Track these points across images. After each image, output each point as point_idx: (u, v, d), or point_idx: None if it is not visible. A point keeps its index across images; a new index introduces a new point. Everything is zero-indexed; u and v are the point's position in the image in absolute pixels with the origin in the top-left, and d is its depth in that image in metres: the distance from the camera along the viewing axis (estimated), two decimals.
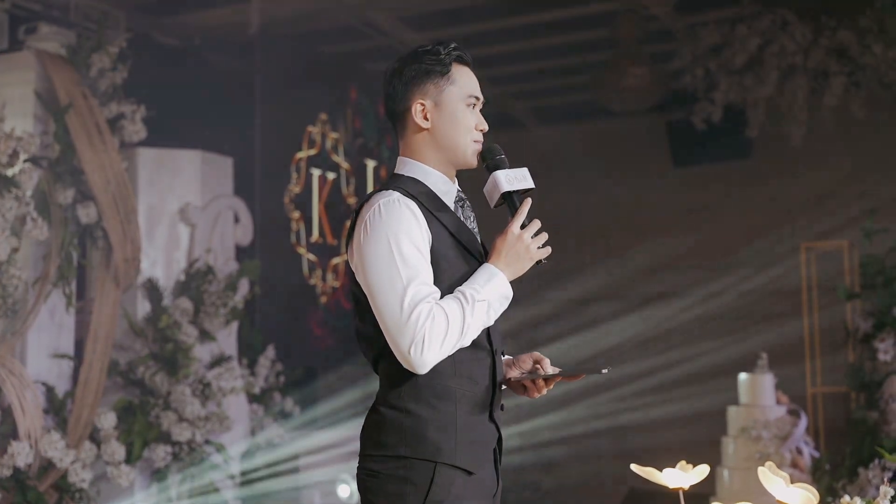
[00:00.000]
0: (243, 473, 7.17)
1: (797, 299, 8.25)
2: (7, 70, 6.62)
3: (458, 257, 2.64)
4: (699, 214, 10.02)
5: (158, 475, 6.65)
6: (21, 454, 5.84)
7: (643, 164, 10.42)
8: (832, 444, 7.49)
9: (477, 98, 2.76)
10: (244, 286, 7.31)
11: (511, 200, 2.70)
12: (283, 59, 8.66)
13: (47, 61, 6.50)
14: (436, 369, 2.56)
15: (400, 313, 2.49)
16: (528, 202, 2.68)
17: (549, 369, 2.79)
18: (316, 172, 9.02)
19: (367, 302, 2.60)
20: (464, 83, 2.74)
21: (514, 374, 2.83)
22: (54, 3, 7.09)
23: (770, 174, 9.70)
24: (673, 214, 10.11)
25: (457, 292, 2.56)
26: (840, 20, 8.23)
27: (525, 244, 2.63)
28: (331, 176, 9.20)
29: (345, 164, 9.36)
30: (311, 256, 8.86)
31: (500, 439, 2.72)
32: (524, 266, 2.64)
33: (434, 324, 2.48)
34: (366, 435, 2.68)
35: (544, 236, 2.67)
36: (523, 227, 2.65)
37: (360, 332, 2.71)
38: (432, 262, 2.59)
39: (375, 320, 2.58)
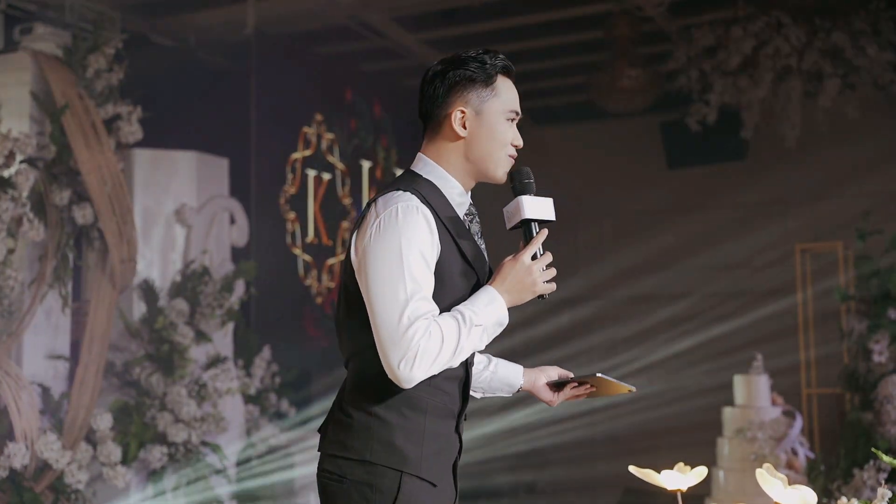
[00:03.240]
0: (239, 474, 7.17)
1: (792, 300, 8.27)
2: (3, 71, 6.61)
3: (461, 274, 2.60)
4: (693, 215, 10.04)
5: (154, 476, 6.64)
6: (17, 455, 5.84)
7: (638, 165, 10.44)
8: (827, 445, 7.52)
9: (517, 113, 2.69)
10: (240, 287, 7.31)
11: (528, 228, 2.65)
12: (278, 60, 8.67)
13: (43, 62, 6.50)
14: None
15: (397, 326, 2.42)
16: (544, 233, 2.64)
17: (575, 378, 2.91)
18: (311, 173, 9.02)
19: (360, 299, 2.54)
20: (507, 96, 2.67)
21: (542, 380, 2.93)
22: (50, 3, 7.08)
23: (764, 175, 9.73)
24: (667, 215, 10.13)
25: (455, 311, 2.51)
26: (834, 22, 8.25)
27: (533, 277, 2.59)
28: (326, 177, 9.20)
29: (340, 165, 9.36)
30: (307, 257, 8.87)
31: (460, 451, 2.70)
32: (525, 297, 2.60)
33: (429, 342, 2.42)
34: (331, 434, 2.62)
35: (552, 272, 2.63)
36: (535, 258, 2.61)
37: (341, 323, 2.66)
38: (437, 276, 2.53)
39: (364, 319, 2.52)
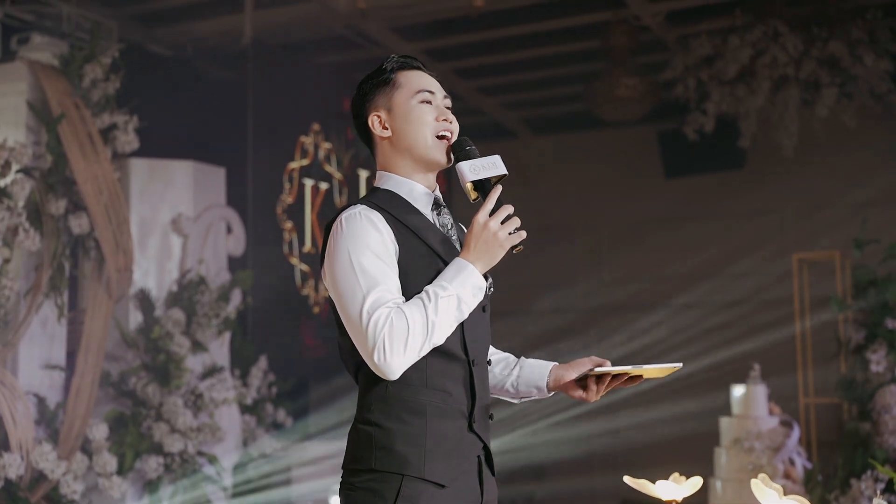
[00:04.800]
0: (235, 485, 7.16)
1: (789, 310, 8.25)
2: None
3: (429, 265, 2.62)
4: (691, 225, 10.04)
5: (150, 487, 6.63)
6: (12, 466, 5.83)
7: (635, 174, 10.44)
8: (824, 456, 7.50)
9: (430, 92, 2.75)
10: (236, 297, 7.31)
11: (484, 190, 2.64)
12: (275, 70, 8.67)
13: (39, 72, 6.50)
14: (406, 382, 2.56)
15: (360, 322, 2.49)
16: (497, 189, 2.61)
17: (612, 370, 2.77)
18: (308, 183, 9.02)
19: None
20: (410, 83, 2.75)
21: (571, 375, 2.83)
22: (47, 13, 7.09)
23: (762, 185, 9.73)
24: (664, 225, 10.13)
25: (422, 292, 2.54)
26: (831, 31, 8.25)
27: (492, 231, 2.55)
28: (323, 186, 9.20)
29: (337, 175, 9.36)
30: (304, 267, 8.86)
31: (486, 449, 2.69)
32: (496, 254, 2.57)
33: (393, 328, 2.46)
34: (346, 450, 2.68)
35: (516, 221, 2.58)
36: (493, 213, 2.58)
37: (341, 346, 2.71)
38: (403, 271, 2.58)
39: None
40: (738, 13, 8.38)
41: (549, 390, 2.91)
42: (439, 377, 2.60)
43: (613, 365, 2.81)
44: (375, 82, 2.77)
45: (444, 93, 2.81)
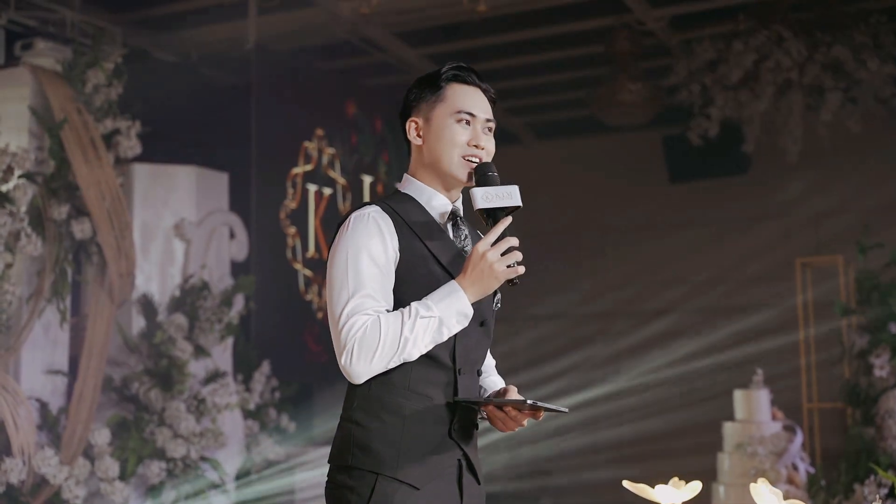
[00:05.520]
0: (238, 490, 7.15)
1: (793, 315, 8.24)
2: (2, 86, 6.64)
3: (429, 275, 2.63)
4: (695, 229, 10.02)
5: (153, 492, 6.63)
6: (14, 471, 5.83)
7: (639, 179, 10.43)
8: (828, 461, 7.47)
9: (470, 114, 2.73)
10: (239, 301, 7.31)
11: (495, 219, 2.61)
12: (279, 75, 8.68)
13: (42, 77, 6.51)
14: (390, 383, 2.59)
15: (338, 323, 2.54)
16: (505, 221, 2.58)
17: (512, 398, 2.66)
18: (312, 188, 9.02)
19: None
20: (455, 100, 2.74)
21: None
22: (51, 19, 7.11)
23: (766, 190, 9.71)
24: (669, 229, 10.11)
25: (409, 306, 2.55)
26: (835, 36, 8.23)
27: (489, 262, 2.54)
28: (327, 191, 9.20)
29: (341, 180, 9.36)
30: (307, 272, 8.86)
31: (466, 457, 2.67)
32: (490, 285, 2.56)
33: (365, 336, 2.51)
34: (332, 445, 2.72)
35: (517, 255, 2.56)
36: (495, 244, 2.56)
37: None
38: (402, 278, 2.61)
39: None
40: (741, 18, 8.38)
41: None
42: (422, 382, 2.62)
43: (521, 394, 2.72)
44: (424, 88, 2.77)
45: (489, 115, 2.78)
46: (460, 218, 2.78)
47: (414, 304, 2.55)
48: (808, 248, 9.12)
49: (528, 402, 2.55)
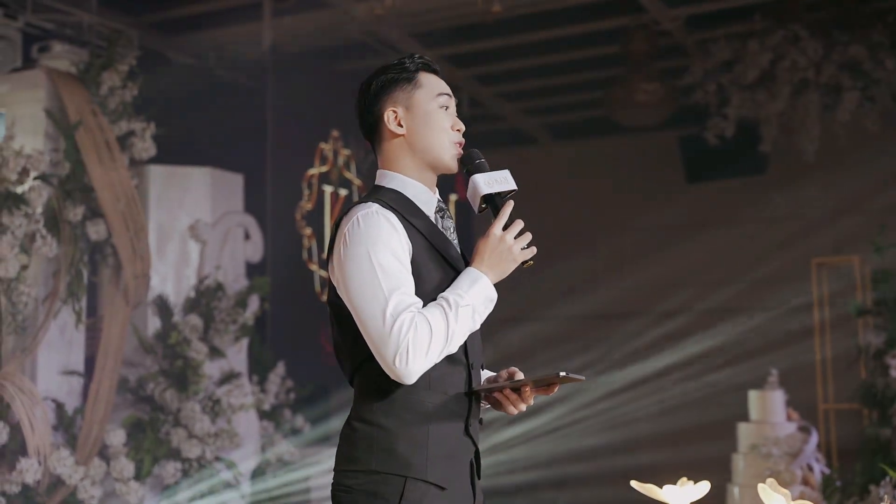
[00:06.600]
0: (253, 490, 7.17)
1: (809, 315, 8.21)
2: (17, 88, 6.68)
3: (437, 268, 2.62)
4: (712, 230, 9.99)
5: (168, 492, 6.65)
6: (30, 471, 5.86)
7: (655, 179, 10.41)
8: (843, 462, 7.44)
9: (448, 96, 2.76)
10: (254, 302, 7.33)
11: (493, 203, 2.66)
12: (295, 76, 8.69)
13: (57, 79, 6.55)
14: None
15: (383, 325, 2.46)
16: (510, 204, 2.64)
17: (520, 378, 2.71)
18: (328, 189, 9.03)
19: (347, 316, 2.58)
20: (432, 85, 2.74)
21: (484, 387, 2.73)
22: (68, 22, 7.14)
23: (784, 190, 9.68)
24: (686, 230, 10.09)
25: (440, 299, 2.54)
26: (852, 35, 8.20)
27: (507, 245, 2.59)
28: (343, 192, 9.21)
29: (357, 181, 9.37)
30: (323, 273, 8.87)
31: (476, 453, 2.70)
32: (508, 268, 2.61)
33: (417, 333, 2.45)
34: (339, 450, 2.65)
35: (528, 236, 2.63)
36: (506, 228, 2.61)
37: (338, 345, 2.70)
38: (413, 273, 2.57)
39: (355, 334, 2.57)
40: (757, 17, 8.36)
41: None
42: (442, 380, 2.60)
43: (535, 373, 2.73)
44: (396, 77, 2.74)
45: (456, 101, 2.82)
46: (445, 210, 2.78)
47: (449, 296, 2.54)
48: (825, 248, 9.08)
49: (561, 373, 2.55)
